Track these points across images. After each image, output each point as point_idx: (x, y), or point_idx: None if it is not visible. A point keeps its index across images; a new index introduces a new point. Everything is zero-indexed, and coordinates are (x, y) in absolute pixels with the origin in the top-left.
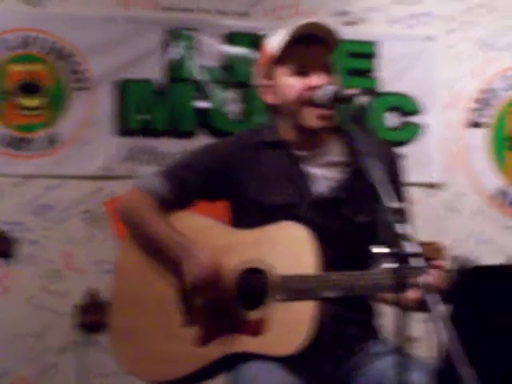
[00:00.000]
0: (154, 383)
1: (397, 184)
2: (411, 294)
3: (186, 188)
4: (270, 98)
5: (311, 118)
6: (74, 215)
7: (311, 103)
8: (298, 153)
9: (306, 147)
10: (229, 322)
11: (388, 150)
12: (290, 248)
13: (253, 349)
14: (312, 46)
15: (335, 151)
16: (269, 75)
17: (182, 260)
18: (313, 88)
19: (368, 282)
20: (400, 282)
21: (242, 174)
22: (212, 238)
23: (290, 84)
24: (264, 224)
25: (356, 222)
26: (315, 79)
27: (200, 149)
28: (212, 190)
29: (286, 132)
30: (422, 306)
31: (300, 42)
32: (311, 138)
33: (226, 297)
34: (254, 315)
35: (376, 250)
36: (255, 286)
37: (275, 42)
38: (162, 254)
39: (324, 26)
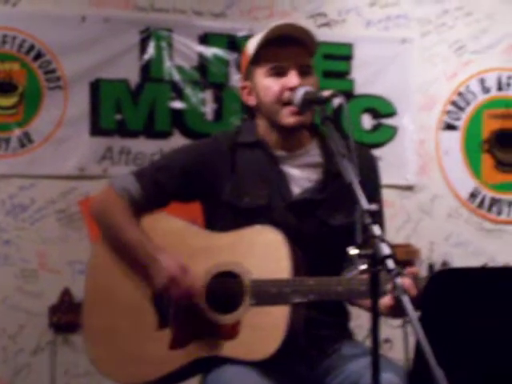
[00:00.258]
0: None
1: (374, 187)
2: (385, 301)
3: (160, 189)
4: (249, 99)
5: (286, 116)
6: (49, 215)
7: (289, 104)
8: (277, 153)
9: (284, 148)
10: (202, 326)
11: (366, 153)
12: (266, 252)
13: (227, 353)
14: (288, 47)
15: (314, 152)
16: (248, 76)
17: (147, 267)
18: (290, 89)
19: (344, 287)
20: (375, 287)
21: (218, 176)
22: (187, 241)
23: (267, 85)
24: (239, 226)
25: (331, 224)
26: (292, 80)
27: (176, 150)
28: (187, 191)
29: (265, 132)
30: (395, 313)
31: (277, 43)
32: (290, 139)
33: (196, 300)
34: (228, 319)
35: (352, 251)
36: (229, 290)
37: (253, 42)
38: (131, 261)
39: (300, 27)
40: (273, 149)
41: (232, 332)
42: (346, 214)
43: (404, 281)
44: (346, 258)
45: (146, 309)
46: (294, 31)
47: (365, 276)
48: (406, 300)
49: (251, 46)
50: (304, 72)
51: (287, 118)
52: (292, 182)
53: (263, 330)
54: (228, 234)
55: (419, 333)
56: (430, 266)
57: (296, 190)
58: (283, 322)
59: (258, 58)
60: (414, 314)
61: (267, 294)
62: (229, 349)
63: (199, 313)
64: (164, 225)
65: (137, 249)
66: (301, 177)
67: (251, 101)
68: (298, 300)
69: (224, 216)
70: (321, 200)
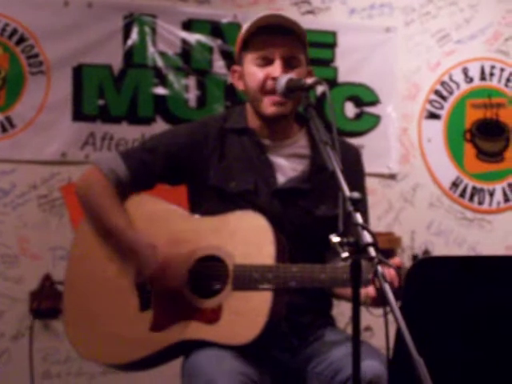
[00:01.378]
0: (109, 366)
1: (360, 183)
2: (367, 291)
3: (147, 170)
4: (238, 84)
5: (267, 105)
6: (30, 200)
7: (271, 92)
8: (264, 141)
9: (270, 136)
10: (184, 309)
11: (351, 149)
12: (250, 237)
13: (207, 337)
14: (277, 37)
15: (301, 143)
16: (239, 61)
17: (128, 257)
18: (273, 78)
19: (328, 275)
20: (357, 275)
21: (205, 160)
22: (172, 224)
23: (253, 72)
24: (224, 210)
25: (316, 214)
26: (275, 69)
27: (163, 132)
28: (173, 174)
29: (252, 119)
30: (376, 302)
31: (267, 32)
32: (274, 127)
33: (179, 284)
34: (209, 303)
35: (335, 239)
36: (213, 274)
37: (246, 28)
38: (113, 245)
39: (290, 20)
40: (260, 136)
41: (213, 316)
42: (330, 206)
43: (388, 271)
44: (328, 247)
45: (128, 291)
46: (284, 22)
47: (348, 264)
48: (387, 288)
49: (243, 31)
50: (291, 64)
51: (268, 107)
52: (278, 171)
53: (245, 315)
54: (213, 218)
55: (400, 321)
56: (414, 257)
57: (281, 178)
58: (265, 308)
59: (248, 45)
60: (394, 302)
61: (250, 279)
62: (210, 333)
63: (181, 296)
64: (149, 207)
65: (120, 232)
66: (287, 166)
67: (240, 85)
68: (281, 286)
69: (209, 199)
70: (306, 190)
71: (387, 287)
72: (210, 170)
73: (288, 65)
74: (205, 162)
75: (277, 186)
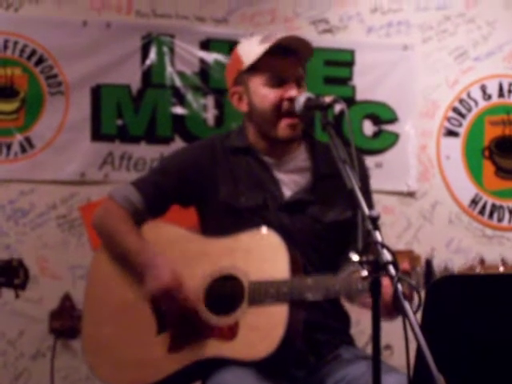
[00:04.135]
0: None
1: (366, 191)
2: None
3: (159, 193)
4: (240, 105)
5: (283, 128)
6: (49, 220)
7: (285, 114)
8: (266, 159)
9: (272, 155)
10: (200, 328)
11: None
12: (264, 255)
13: (225, 353)
14: (289, 58)
15: (302, 157)
16: (239, 82)
17: (144, 273)
18: (288, 99)
19: (342, 286)
20: (377, 294)
21: (214, 176)
22: (187, 247)
23: (265, 94)
24: (234, 226)
25: (324, 221)
26: (290, 90)
27: (172, 153)
28: (184, 192)
29: (255, 139)
30: (393, 313)
31: (277, 52)
32: (279, 147)
33: (193, 304)
34: (226, 320)
35: (354, 257)
36: (229, 292)
37: (249, 49)
38: (130, 266)
39: (302, 39)
40: (262, 155)
41: (230, 333)
42: (337, 212)
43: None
44: (340, 253)
45: (145, 315)
46: (296, 43)
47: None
48: (407, 306)
49: (248, 52)
50: (300, 84)
51: (284, 130)
52: (282, 186)
53: (262, 330)
54: (227, 239)
55: (420, 339)
56: (428, 262)
57: (287, 193)
58: (282, 322)
59: (255, 66)
60: (415, 320)
61: (265, 294)
62: (227, 349)
63: (197, 316)
64: (164, 232)
65: (136, 254)
66: (291, 181)
67: (243, 107)
68: (296, 299)
69: (220, 215)
70: (312, 200)
71: (407, 305)
72: (219, 187)
73: (298, 84)
74: (214, 178)
75: (283, 200)
